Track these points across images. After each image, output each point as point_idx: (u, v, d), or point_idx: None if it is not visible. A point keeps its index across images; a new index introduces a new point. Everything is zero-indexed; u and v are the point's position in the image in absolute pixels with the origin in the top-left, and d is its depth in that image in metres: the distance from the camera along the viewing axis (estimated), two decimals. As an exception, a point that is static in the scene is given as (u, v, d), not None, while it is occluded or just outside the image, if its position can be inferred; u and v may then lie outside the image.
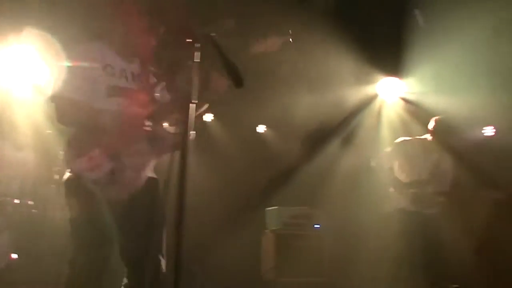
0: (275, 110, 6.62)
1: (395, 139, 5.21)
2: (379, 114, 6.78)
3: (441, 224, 4.79)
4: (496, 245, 5.59)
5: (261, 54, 2.62)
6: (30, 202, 5.50)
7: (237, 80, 2.08)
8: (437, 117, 5.01)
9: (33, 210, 5.49)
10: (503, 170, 5.82)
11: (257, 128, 7.58)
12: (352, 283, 6.03)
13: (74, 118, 2.55)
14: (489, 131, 6.55)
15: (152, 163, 2.73)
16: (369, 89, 6.58)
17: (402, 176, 5.01)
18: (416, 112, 6.26)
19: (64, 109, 2.53)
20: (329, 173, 6.93)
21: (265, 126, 7.60)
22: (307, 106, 6.11)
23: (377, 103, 6.80)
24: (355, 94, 6.41)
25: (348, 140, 6.89)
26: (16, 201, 5.38)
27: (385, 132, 6.72)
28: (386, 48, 5.40)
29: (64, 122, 2.58)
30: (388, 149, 5.21)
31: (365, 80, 6.34)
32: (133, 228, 2.58)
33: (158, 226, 2.63)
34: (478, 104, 5.69)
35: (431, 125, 4.99)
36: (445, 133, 4.93)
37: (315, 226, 6.77)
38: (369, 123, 6.84)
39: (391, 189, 5.07)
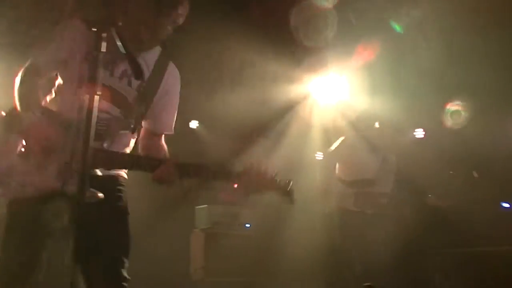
0: (207, 106, 6.47)
1: (328, 139, 5.21)
2: (311, 113, 6.76)
3: (379, 224, 4.81)
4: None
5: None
6: None
7: (137, 72, 2.02)
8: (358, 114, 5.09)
9: None
10: (433, 174, 5.96)
11: (189, 123, 7.40)
12: (279, 282, 6.01)
13: None
14: (419, 133, 6.66)
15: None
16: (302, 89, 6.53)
17: (345, 176, 5.01)
18: (348, 112, 6.30)
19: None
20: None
21: (197, 122, 7.44)
22: (238, 103, 6.00)
23: (309, 103, 6.78)
24: (287, 92, 6.34)
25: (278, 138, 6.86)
26: None
27: (317, 132, 6.73)
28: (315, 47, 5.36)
29: None
30: (332, 148, 5.20)
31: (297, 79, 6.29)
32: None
33: None
34: (407, 106, 5.77)
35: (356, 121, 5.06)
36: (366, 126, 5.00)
37: (246, 225, 6.69)
38: (301, 122, 6.82)
39: (333, 188, 5.05)
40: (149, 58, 2.41)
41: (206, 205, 6.65)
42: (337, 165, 5.12)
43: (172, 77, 2.50)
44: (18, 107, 2.25)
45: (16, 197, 2.20)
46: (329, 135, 6.26)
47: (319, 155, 6.51)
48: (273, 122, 6.85)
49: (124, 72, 2.32)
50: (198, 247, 6.53)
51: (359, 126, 5.14)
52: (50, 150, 2.20)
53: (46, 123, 2.23)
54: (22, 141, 2.20)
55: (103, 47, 1.83)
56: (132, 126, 2.37)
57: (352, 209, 4.88)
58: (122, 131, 2.36)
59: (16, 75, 2.29)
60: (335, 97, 6.53)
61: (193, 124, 7.44)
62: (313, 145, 6.70)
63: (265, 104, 6.35)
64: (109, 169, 2.30)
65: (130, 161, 2.33)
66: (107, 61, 2.21)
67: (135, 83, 2.34)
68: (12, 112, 2.26)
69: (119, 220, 2.37)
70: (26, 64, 2.29)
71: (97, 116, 1.97)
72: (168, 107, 2.53)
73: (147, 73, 2.37)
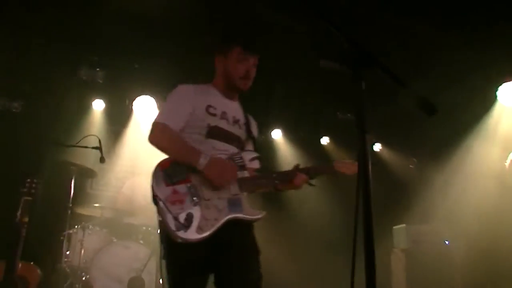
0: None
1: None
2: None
3: None
4: None
5: None
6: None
7: (429, 108, 1.84)
8: None
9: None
10: None
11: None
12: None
13: (161, 141, 2.85)
14: None
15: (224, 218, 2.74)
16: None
17: None
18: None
19: (155, 131, 2.86)
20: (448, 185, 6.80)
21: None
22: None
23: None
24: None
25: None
26: (159, 230, 5.85)
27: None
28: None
29: (152, 142, 2.86)
30: None
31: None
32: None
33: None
34: None
35: None
36: None
37: (445, 242, 6.58)
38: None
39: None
40: None
41: (403, 225, 6.71)
42: None
43: None
44: (180, 159, 2.80)
45: (191, 239, 2.59)
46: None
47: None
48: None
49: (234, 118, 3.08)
50: (399, 267, 6.58)
51: None
52: (230, 180, 2.80)
53: (221, 159, 2.84)
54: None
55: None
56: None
57: None
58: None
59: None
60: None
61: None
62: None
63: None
64: (254, 191, 3.01)
65: (269, 179, 3.06)
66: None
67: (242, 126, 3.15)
68: (173, 165, 2.77)
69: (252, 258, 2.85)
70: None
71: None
72: None
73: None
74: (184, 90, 3.03)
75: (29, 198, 4.52)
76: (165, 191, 2.66)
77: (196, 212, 2.64)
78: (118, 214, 6.15)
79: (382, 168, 7.91)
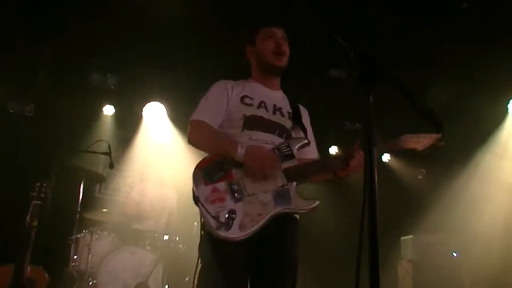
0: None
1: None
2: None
3: None
4: None
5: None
6: (177, 238, 5.97)
7: (436, 122, 1.82)
8: None
9: (180, 246, 5.98)
10: None
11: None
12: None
13: (198, 138, 2.76)
14: None
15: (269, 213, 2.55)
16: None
17: None
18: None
19: (191, 129, 2.77)
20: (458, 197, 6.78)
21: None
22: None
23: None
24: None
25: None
26: (165, 237, 5.91)
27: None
28: None
29: (190, 142, 2.77)
30: None
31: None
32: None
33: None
34: None
35: None
36: None
37: (453, 254, 6.55)
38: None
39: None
40: None
41: (411, 236, 6.69)
42: None
43: None
44: (219, 152, 2.67)
45: (232, 238, 2.44)
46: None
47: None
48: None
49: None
50: (406, 278, 6.56)
51: None
52: (271, 169, 2.60)
53: (259, 147, 2.68)
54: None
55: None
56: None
57: None
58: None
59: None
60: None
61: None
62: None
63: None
64: (306, 180, 2.79)
65: (320, 165, 2.85)
66: None
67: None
68: (211, 163, 2.64)
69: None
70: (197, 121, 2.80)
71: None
72: None
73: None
74: (220, 85, 2.93)
75: (39, 202, 4.55)
76: (204, 191, 2.53)
77: (239, 209, 2.49)
78: (126, 219, 6.18)
79: (391, 179, 7.91)
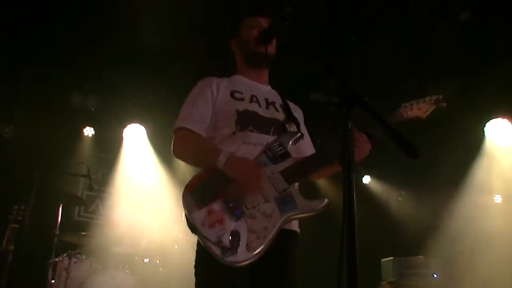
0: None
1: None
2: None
3: None
4: None
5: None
6: (157, 261, 5.91)
7: (411, 151, 1.75)
8: None
9: (160, 269, 5.91)
10: None
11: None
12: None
13: (181, 151, 2.54)
14: None
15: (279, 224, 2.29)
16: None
17: None
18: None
19: (174, 142, 2.54)
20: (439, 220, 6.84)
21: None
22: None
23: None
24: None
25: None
26: (146, 260, 5.84)
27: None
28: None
29: (177, 156, 2.56)
30: None
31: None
32: None
33: None
34: None
35: None
36: None
37: (433, 275, 6.59)
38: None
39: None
40: None
41: (391, 257, 6.72)
42: None
43: None
44: (202, 163, 2.45)
45: (242, 262, 2.19)
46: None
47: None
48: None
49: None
50: (387, 301, 6.57)
51: None
52: (256, 180, 2.32)
53: (241, 159, 2.37)
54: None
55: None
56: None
57: None
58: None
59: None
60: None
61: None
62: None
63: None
64: (306, 176, 2.50)
65: (319, 158, 2.51)
66: None
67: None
68: (200, 182, 2.36)
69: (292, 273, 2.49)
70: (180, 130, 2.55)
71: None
72: None
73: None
74: (205, 82, 2.72)
75: (16, 225, 4.49)
76: (199, 216, 2.24)
77: (241, 227, 2.23)
78: (105, 242, 6.10)
79: (371, 201, 7.96)
